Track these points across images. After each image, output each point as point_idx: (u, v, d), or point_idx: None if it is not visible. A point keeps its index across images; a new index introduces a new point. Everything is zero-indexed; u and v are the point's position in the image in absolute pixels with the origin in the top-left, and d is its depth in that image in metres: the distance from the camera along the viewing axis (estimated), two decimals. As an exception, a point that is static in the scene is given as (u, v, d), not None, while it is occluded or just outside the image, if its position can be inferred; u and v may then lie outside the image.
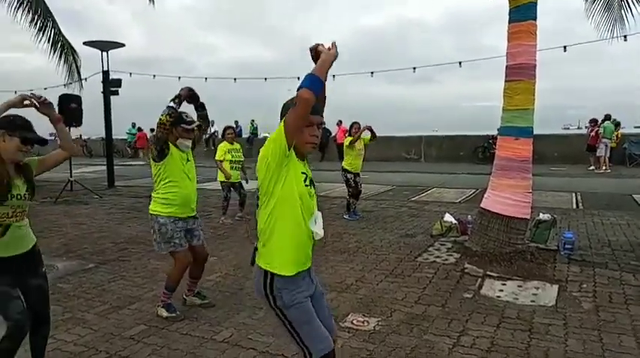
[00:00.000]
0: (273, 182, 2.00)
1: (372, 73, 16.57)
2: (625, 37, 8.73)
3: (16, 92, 2.48)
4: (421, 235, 6.43)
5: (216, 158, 7.40)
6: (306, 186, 2.08)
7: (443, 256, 5.35)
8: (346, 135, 8.09)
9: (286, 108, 2.04)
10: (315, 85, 1.88)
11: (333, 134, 19.98)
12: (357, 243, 6.05)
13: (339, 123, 19.68)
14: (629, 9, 6.78)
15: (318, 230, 2.09)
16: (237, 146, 7.59)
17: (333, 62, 1.99)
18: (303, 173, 2.07)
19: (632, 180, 12.65)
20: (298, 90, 1.87)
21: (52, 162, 2.68)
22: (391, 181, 12.85)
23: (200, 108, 3.85)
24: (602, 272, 4.66)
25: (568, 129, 62.54)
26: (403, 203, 9.46)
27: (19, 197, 2.43)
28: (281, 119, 2.04)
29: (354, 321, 3.58)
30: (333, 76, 20.54)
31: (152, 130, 22.13)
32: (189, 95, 3.66)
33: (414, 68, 16.47)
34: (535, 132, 5.48)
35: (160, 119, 3.46)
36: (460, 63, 15.64)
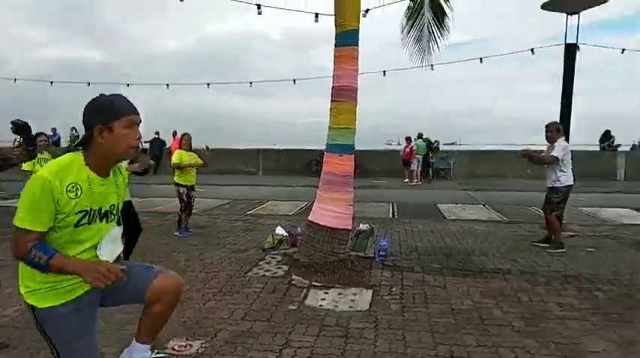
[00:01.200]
0: None
1: (208, 84, 16.32)
2: (432, 66, 10.22)
3: None
4: (253, 249, 6.47)
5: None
6: (77, 226, 1.85)
7: (272, 269, 5.45)
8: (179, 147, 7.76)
9: (90, 113, 1.85)
10: (36, 266, 1.78)
11: (168, 145, 19.06)
12: (187, 262, 5.82)
13: (175, 133, 18.87)
14: (435, 42, 7.92)
15: (103, 255, 1.93)
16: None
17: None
18: (81, 211, 1.86)
19: (437, 191, 14.71)
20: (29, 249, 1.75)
21: None
22: (228, 195, 12.75)
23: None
24: (409, 276, 5.25)
25: (390, 144, 70.80)
26: (239, 217, 9.44)
27: None
28: (83, 122, 1.86)
29: (176, 347, 3.40)
30: (167, 84, 19.61)
31: None
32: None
33: (251, 83, 16.78)
34: (361, 148, 5.95)
35: None
36: (294, 80, 16.40)
